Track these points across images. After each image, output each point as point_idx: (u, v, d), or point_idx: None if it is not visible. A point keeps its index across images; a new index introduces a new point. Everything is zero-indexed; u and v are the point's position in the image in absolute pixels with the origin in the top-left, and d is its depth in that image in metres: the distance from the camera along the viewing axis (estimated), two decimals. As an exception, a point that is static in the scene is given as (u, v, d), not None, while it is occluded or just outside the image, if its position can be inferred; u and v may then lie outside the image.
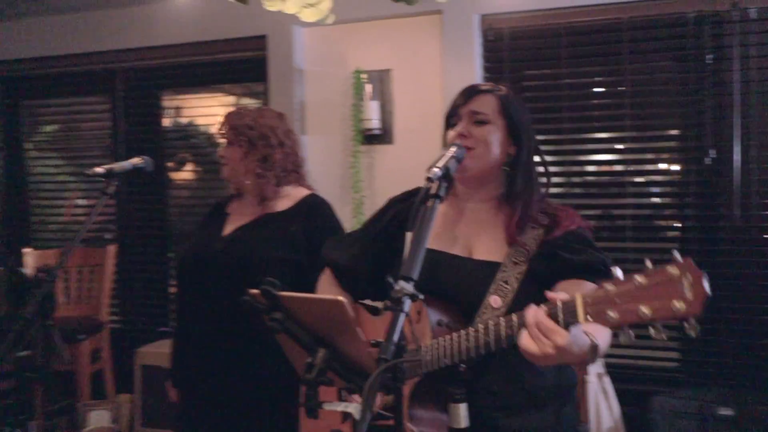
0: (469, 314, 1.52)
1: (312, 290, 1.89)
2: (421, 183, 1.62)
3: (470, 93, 1.64)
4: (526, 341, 1.21)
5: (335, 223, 2.18)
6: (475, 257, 1.59)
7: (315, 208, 2.17)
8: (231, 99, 3.93)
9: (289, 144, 2.25)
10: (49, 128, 4.42)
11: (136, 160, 1.95)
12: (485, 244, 1.60)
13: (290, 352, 1.39)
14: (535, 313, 1.21)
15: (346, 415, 1.37)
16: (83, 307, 3.57)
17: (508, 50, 3.25)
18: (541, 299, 1.25)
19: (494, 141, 1.60)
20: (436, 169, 1.42)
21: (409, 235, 1.35)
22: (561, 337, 1.17)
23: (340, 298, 1.22)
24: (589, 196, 3.23)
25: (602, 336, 1.32)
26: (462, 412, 1.25)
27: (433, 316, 1.49)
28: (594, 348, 1.28)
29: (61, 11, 3.99)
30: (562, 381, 1.61)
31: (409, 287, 1.24)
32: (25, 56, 4.17)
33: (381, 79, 3.41)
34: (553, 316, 1.19)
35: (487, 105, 1.62)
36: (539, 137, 2.98)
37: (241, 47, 3.67)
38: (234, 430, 2.06)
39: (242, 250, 2.08)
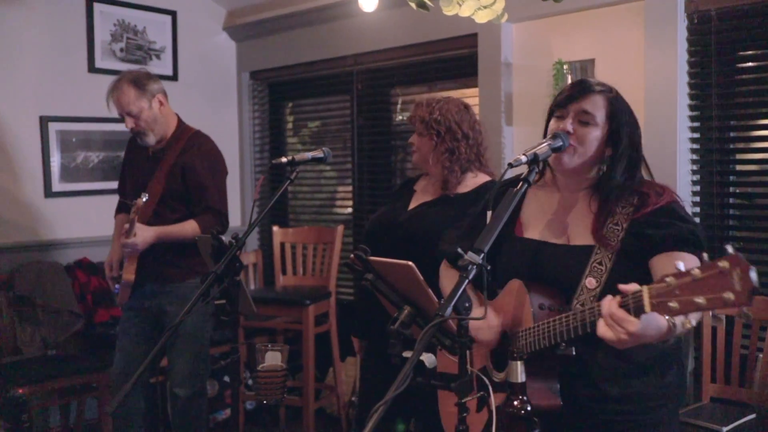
0: (568, 296, 1.65)
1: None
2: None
3: (583, 90, 1.72)
4: (603, 329, 1.37)
5: None
6: (571, 243, 1.72)
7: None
8: (448, 94, 4.22)
9: (473, 136, 2.48)
10: (311, 124, 5.13)
11: (315, 152, 2.32)
12: (579, 229, 1.72)
13: (388, 310, 1.65)
14: (608, 304, 1.36)
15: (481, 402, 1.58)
16: (316, 278, 4.16)
17: (715, 33, 3.10)
18: (634, 277, 1.38)
19: (594, 143, 1.69)
20: (521, 157, 1.58)
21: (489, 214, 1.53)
22: (632, 324, 1.32)
23: (410, 262, 1.45)
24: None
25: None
26: (518, 369, 1.41)
27: (536, 300, 1.64)
28: (672, 328, 1.40)
29: (310, 24, 4.61)
30: (667, 346, 1.67)
31: (477, 258, 1.43)
32: (285, 64, 4.89)
33: (583, 69, 3.46)
34: (624, 306, 1.33)
35: (597, 106, 1.69)
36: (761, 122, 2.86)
37: (455, 45, 3.95)
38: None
39: (423, 224, 2.36)
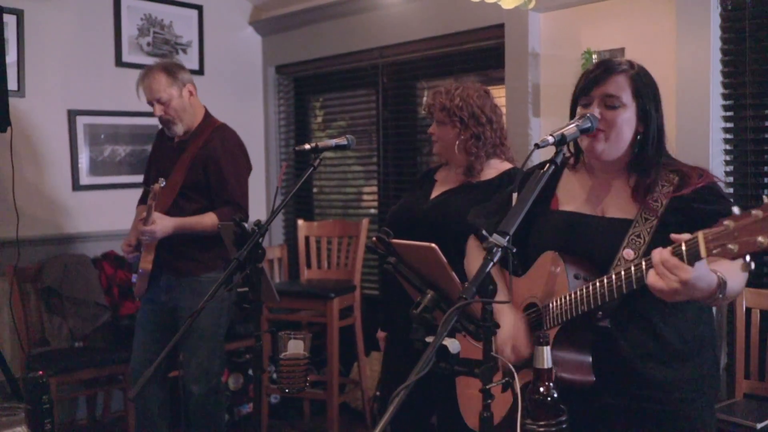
0: (604, 268, 1.62)
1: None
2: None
3: (604, 72, 1.67)
4: (653, 278, 1.35)
5: None
6: (608, 216, 1.68)
7: (512, 181, 2.30)
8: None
9: (496, 119, 2.43)
10: (337, 118, 5.11)
11: (339, 139, 2.30)
12: (616, 204, 1.69)
13: (410, 294, 1.61)
14: (660, 252, 1.34)
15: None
16: (341, 272, 4.14)
17: (750, 19, 3.02)
18: None
19: (625, 125, 1.65)
20: (548, 137, 1.53)
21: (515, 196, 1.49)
22: (685, 271, 1.30)
23: (432, 244, 1.42)
24: None
25: (733, 276, 1.41)
26: (545, 354, 1.37)
27: (571, 270, 1.61)
28: (722, 284, 1.39)
29: (335, 17, 4.59)
30: (700, 333, 1.66)
31: (502, 240, 1.39)
32: (310, 58, 4.87)
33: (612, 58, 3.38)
34: (677, 254, 1.31)
35: (620, 87, 1.65)
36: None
37: (482, 36, 3.90)
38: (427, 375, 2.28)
39: (446, 212, 2.31)
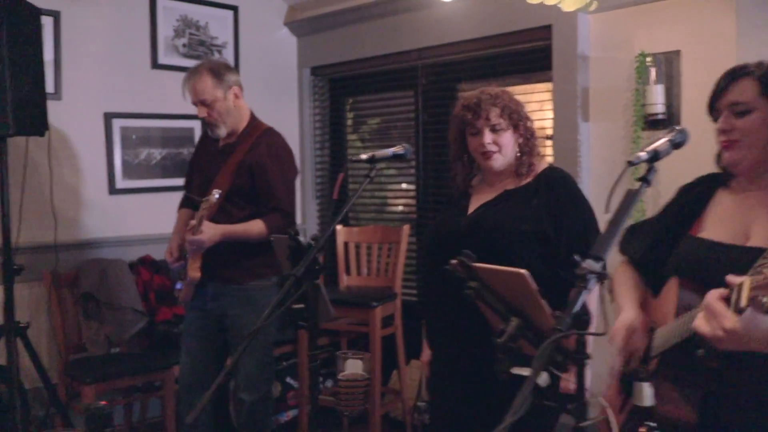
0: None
1: (559, 261, 1.98)
2: (711, 169, 1.70)
3: (726, 81, 1.59)
4: (699, 321, 1.25)
5: (577, 194, 2.18)
6: (749, 244, 1.53)
7: (556, 181, 2.17)
8: (518, 89, 4.07)
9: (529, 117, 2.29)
10: (371, 121, 5.02)
11: (396, 148, 2.20)
12: (761, 230, 1.53)
13: (491, 320, 1.52)
14: (710, 295, 1.23)
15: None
16: (381, 279, 4.05)
17: (817, 21, 2.89)
18: None
19: (759, 128, 1.53)
20: (641, 154, 1.43)
21: (606, 217, 1.39)
22: (728, 321, 1.19)
23: (522, 270, 1.32)
24: None
25: None
26: (646, 391, 1.27)
27: (686, 298, 1.51)
28: None
29: (373, 18, 4.50)
30: None
31: (596, 266, 1.29)
32: (345, 59, 4.79)
33: (668, 62, 3.27)
34: (728, 299, 1.20)
35: (745, 92, 1.55)
36: None
37: (527, 38, 3.79)
38: (476, 397, 2.13)
39: (489, 225, 2.13)
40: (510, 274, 1.37)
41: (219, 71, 2.92)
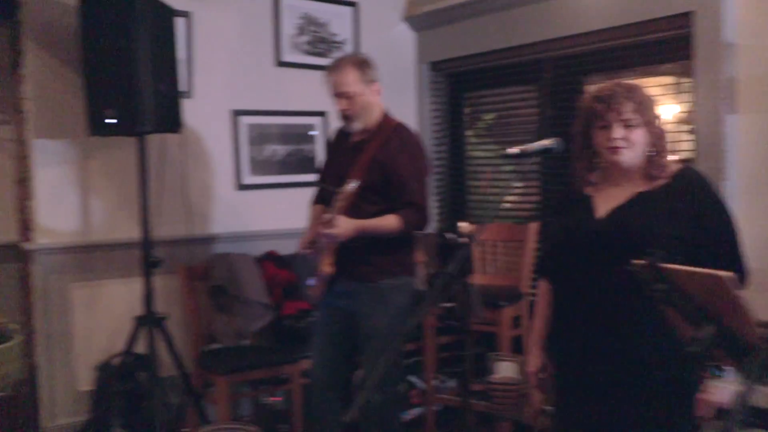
0: None
1: (701, 265, 1.83)
2: None
3: None
4: None
5: (719, 197, 2.02)
6: None
7: (695, 183, 2.02)
8: (652, 80, 3.88)
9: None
10: (488, 116, 4.93)
11: (547, 142, 2.10)
12: None
13: (677, 326, 1.41)
14: None
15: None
16: (507, 278, 3.95)
17: None
18: None
19: None
20: None
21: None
22: None
23: (722, 273, 1.21)
24: None
25: None
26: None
27: None
28: None
29: (495, 11, 4.40)
30: None
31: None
32: (465, 53, 4.71)
33: (828, 48, 3.02)
34: None
35: None
36: None
37: (664, 27, 3.59)
38: (615, 416, 2.00)
39: (632, 229, 1.98)
40: (708, 277, 1.27)
41: (363, 65, 2.92)
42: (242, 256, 4.00)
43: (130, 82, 3.25)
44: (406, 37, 4.99)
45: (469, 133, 4.98)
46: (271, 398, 3.94)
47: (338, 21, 4.66)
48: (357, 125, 2.93)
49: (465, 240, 1.90)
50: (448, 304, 1.90)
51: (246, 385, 3.90)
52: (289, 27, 4.46)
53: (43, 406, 3.67)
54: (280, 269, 4.10)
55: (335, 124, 4.34)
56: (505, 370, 1.85)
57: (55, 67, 3.66)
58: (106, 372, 3.52)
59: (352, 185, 2.66)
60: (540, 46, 4.25)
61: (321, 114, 4.49)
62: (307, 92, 4.42)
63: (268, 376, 3.80)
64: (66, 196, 3.72)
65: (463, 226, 3.52)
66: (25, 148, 3.70)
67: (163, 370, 3.48)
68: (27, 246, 3.70)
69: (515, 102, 4.59)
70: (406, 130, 3.01)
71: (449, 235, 1.96)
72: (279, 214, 4.28)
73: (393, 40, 4.93)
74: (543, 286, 2.30)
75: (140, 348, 3.41)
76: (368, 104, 2.92)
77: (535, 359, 2.27)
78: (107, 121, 3.32)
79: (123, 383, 3.43)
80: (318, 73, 4.45)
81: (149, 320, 3.39)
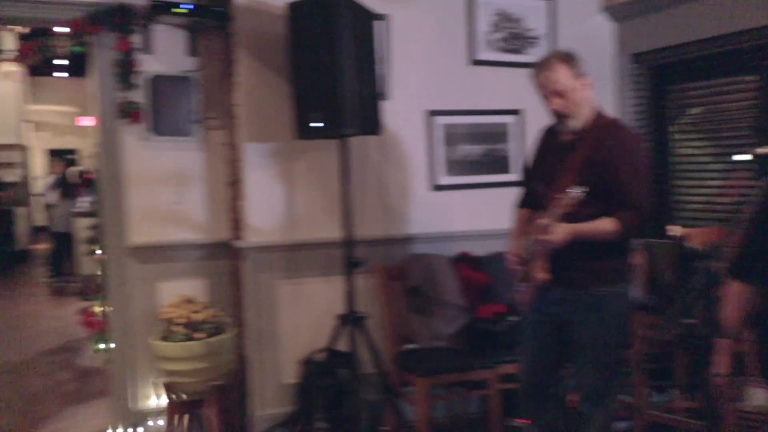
0: None
1: None
2: None
3: None
4: None
5: None
6: None
7: None
8: None
9: None
10: (695, 111, 4.56)
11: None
12: None
13: None
14: None
15: None
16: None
17: None
18: None
19: None
20: None
21: None
22: None
23: None
24: None
25: None
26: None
27: None
28: None
29: (711, -6, 4.06)
30: None
31: None
32: (669, 44, 4.38)
33: None
34: None
35: None
36: None
37: None
38: None
39: None
40: None
41: (572, 61, 2.77)
42: (439, 258, 3.98)
43: (335, 87, 3.34)
44: (604, 29, 4.74)
45: (672, 128, 4.63)
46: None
47: (534, 16, 4.52)
48: (573, 123, 2.79)
49: (707, 252, 1.71)
50: (689, 321, 1.73)
51: (440, 387, 3.88)
52: (483, 24, 4.39)
53: (252, 396, 3.87)
54: (474, 271, 4.04)
55: (530, 122, 4.23)
56: (756, 397, 1.65)
57: (264, 74, 3.86)
58: (309, 367, 3.64)
59: (576, 192, 2.52)
60: (763, 31, 3.85)
61: (515, 112, 4.38)
62: (502, 90, 4.33)
63: (464, 380, 3.75)
64: (273, 197, 3.90)
65: (674, 229, 3.26)
66: (236, 151, 3.93)
67: (363, 367, 3.54)
68: (238, 244, 3.93)
69: (729, 94, 4.20)
70: (622, 126, 2.82)
71: (687, 245, 1.79)
72: (473, 214, 4.23)
73: (590, 33, 4.70)
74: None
75: (341, 345, 3.49)
76: (581, 100, 2.77)
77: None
78: (312, 124, 3.44)
79: (325, 379, 3.53)
80: (513, 71, 4.40)
81: (351, 319, 3.47)
